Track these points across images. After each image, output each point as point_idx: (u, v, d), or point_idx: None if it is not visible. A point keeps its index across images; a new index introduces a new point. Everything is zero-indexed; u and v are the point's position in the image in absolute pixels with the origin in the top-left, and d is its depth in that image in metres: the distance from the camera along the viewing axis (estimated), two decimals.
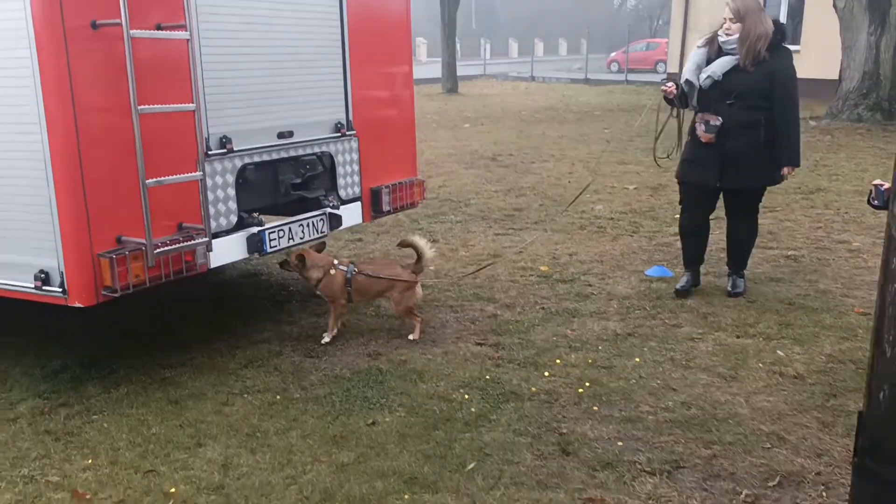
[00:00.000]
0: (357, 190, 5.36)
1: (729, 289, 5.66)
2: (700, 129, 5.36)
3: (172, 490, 3.27)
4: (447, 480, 3.31)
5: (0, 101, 3.64)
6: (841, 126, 14.92)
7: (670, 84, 5.49)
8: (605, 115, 18.77)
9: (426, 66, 36.94)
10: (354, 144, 5.28)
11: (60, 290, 3.72)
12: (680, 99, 5.49)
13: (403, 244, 5.05)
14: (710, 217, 5.72)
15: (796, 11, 21.22)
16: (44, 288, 3.75)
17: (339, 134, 5.15)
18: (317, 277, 4.80)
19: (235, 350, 4.79)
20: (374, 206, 5.49)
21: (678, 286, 5.69)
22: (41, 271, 3.74)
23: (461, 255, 6.90)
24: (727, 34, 5.28)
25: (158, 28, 3.84)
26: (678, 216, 5.95)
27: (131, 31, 3.56)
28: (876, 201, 3.53)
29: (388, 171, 5.62)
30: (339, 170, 5.20)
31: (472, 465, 3.42)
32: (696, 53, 5.46)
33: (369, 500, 3.17)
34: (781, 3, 22.33)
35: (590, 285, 5.95)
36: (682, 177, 5.60)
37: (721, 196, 5.60)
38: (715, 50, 5.35)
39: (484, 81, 32.60)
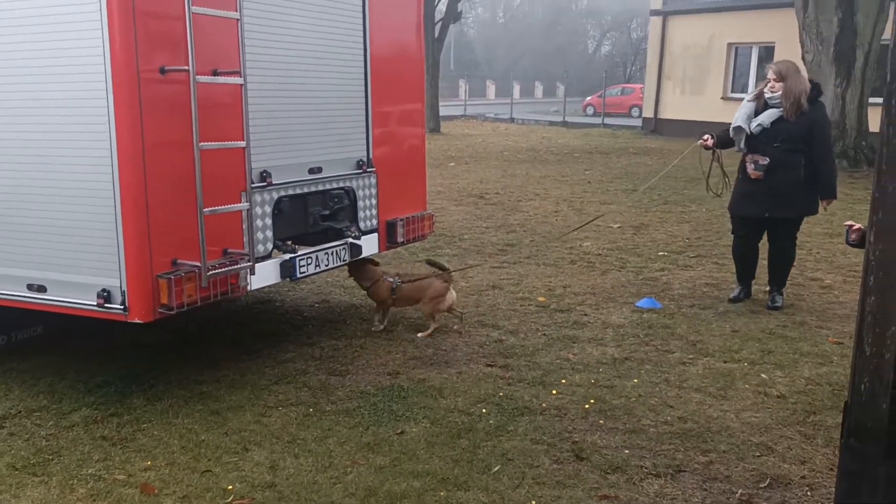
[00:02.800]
0: (375, 222, 5.79)
1: (769, 303, 6.61)
2: (750, 167, 6.38)
3: (230, 487, 3.63)
4: (476, 480, 3.71)
5: (76, 135, 4.04)
6: None
7: (706, 136, 6.60)
8: (584, 157, 19.43)
9: None
10: (373, 180, 5.73)
11: (122, 307, 4.09)
12: (717, 145, 6.64)
13: (429, 262, 6.13)
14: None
15: (766, 63, 22.22)
16: (105, 305, 4.12)
17: (361, 170, 5.60)
18: (367, 286, 5.91)
19: (264, 368, 5.16)
20: (389, 237, 5.92)
21: (731, 296, 6.78)
22: (104, 290, 4.11)
23: (461, 285, 7.32)
24: (772, 91, 6.33)
25: (215, 73, 4.28)
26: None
27: (196, 77, 4.00)
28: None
29: (402, 204, 6.06)
30: (360, 203, 5.63)
31: (497, 468, 3.83)
32: (746, 106, 6.53)
33: (409, 497, 3.56)
34: (752, 55, 23.39)
35: (585, 315, 6.41)
36: (734, 209, 6.67)
37: (766, 226, 6.59)
38: (762, 104, 6.43)
39: (464, 122, 33.35)
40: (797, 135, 6.21)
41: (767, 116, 6.31)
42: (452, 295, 5.89)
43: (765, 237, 6.71)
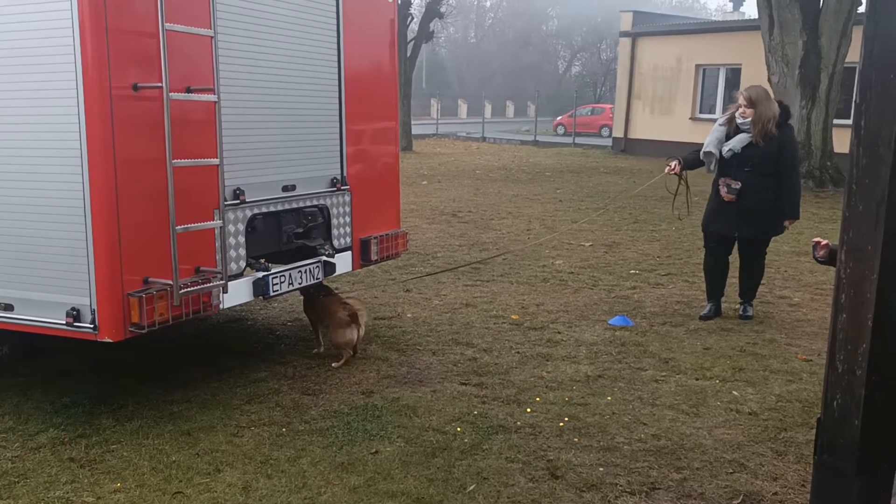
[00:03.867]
0: (348, 240, 5.77)
1: (741, 313, 6.88)
2: (723, 190, 6.57)
3: None
4: (451, 500, 3.69)
5: (47, 152, 3.99)
6: None
7: (673, 163, 6.73)
8: (555, 176, 19.58)
9: None
10: (347, 198, 5.72)
11: (91, 326, 4.03)
12: (684, 168, 6.82)
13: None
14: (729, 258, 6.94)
15: (733, 84, 22.63)
16: (75, 324, 4.05)
17: (335, 188, 5.59)
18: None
19: (236, 388, 5.09)
20: (363, 255, 5.90)
21: (702, 314, 6.86)
22: (73, 308, 4.05)
23: (435, 303, 7.33)
24: (743, 117, 6.47)
25: (189, 90, 4.26)
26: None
27: (170, 94, 3.97)
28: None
29: (376, 222, 6.06)
30: (334, 221, 5.62)
31: (472, 487, 3.81)
32: (717, 130, 6.66)
33: None
34: (720, 76, 23.79)
35: (559, 333, 6.43)
36: (706, 226, 6.87)
37: (736, 242, 6.80)
38: (733, 128, 6.57)
39: (436, 140, 33.46)
40: (767, 159, 6.37)
41: (738, 142, 6.45)
42: (352, 333, 5.50)
43: (735, 251, 6.90)
